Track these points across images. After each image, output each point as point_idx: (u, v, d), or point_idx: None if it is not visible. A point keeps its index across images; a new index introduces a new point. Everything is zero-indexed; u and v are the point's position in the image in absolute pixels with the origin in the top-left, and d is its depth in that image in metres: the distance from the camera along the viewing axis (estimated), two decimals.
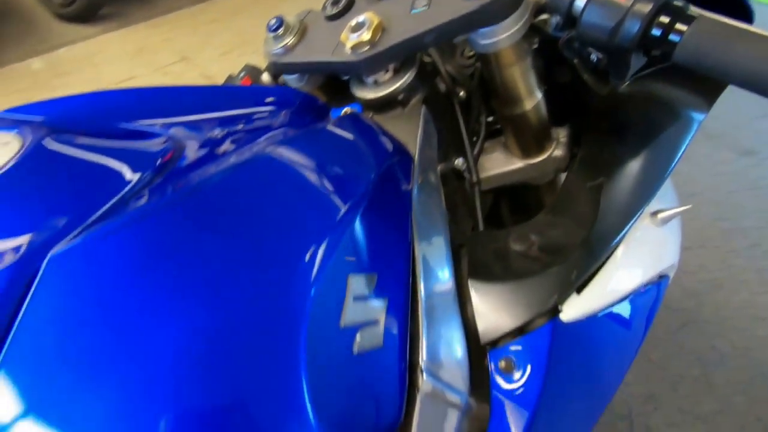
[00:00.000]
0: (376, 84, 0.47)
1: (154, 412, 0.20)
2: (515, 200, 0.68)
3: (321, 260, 0.26)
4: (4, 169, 0.26)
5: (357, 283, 0.29)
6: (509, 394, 0.38)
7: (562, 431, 0.39)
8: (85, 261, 0.22)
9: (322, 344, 0.25)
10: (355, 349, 0.28)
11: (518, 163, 0.58)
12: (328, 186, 0.31)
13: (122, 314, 0.21)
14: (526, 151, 0.57)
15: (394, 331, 0.32)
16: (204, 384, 0.21)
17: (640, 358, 1.49)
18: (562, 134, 0.58)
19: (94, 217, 0.24)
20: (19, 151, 0.27)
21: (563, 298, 0.40)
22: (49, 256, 0.22)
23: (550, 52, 0.53)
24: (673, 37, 0.36)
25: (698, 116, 0.51)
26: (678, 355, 1.32)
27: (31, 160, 0.27)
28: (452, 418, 0.36)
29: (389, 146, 0.40)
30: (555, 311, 0.40)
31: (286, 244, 0.26)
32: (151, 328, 0.21)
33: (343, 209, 0.30)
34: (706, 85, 0.51)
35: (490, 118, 0.60)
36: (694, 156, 1.82)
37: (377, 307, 0.31)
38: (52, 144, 0.29)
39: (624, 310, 0.44)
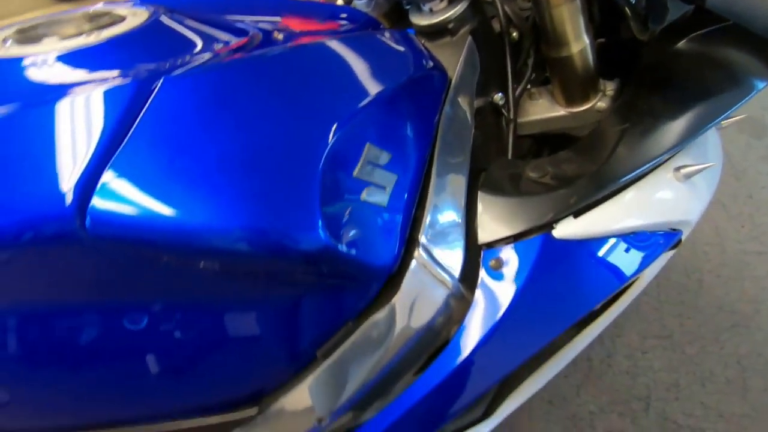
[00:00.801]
0: (431, 12, 0.52)
1: (214, 193, 0.30)
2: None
3: (345, 120, 0.35)
4: (137, 28, 0.37)
5: (372, 152, 0.37)
6: (493, 289, 0.44)
7: (527, 334, 0.45)
8: (185, 85, 0.33)
9: (336, 178, 0.34)
10: (362, 197, 0.36)
11: (561, 111, 0.61)
12: (365, 73, 0.38)
13: (206, 123, 0.32)
14: (570, 99, 0.60)
15: (399, 201, 0.39)
16: (252, 177, 0.31)
17: (674, 349, 1.45)
18: (609, 87, 0.59)
19: (188, 66, 0.35)
20: (147, 18, 0.39)
21: (559, 217, 0.45)
22: (162, 79, 0.32)
23: (612, 5, 0.55)
24: None
25: (759, 83, 0.51)
26: (717, 354, 1.28)
27: (154, 24, 0.38)
28: (439, 294, 0.44)
29: (429, 63, 0.46)
30: (550, 227, 0.45)
31: (321, 102, 0.35)
32: (222, 136, 0.32)
33: (373, 94, 0.37)
34: None
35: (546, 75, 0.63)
36: None
37: (386, 177, 0.38)
38: (166, 18, 0.40)
39: (617, 246, 0.48)
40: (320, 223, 0.32)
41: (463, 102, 0.49)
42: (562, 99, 0.60)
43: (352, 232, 0.34)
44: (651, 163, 0.48)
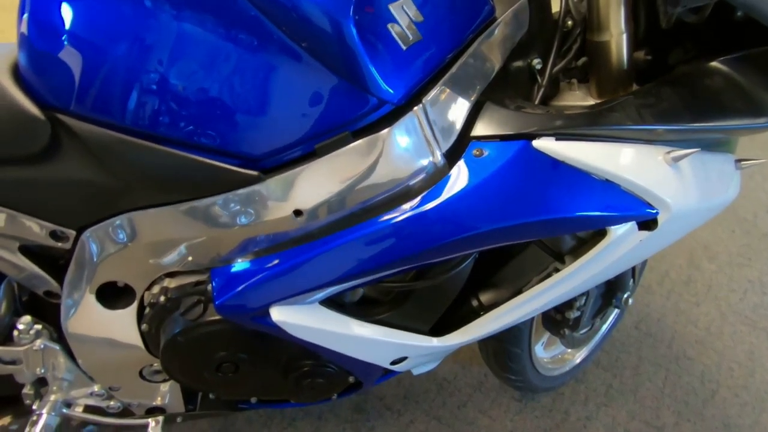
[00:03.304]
0: None
1: None
2: None
3: None
4: None
5: (409, 4, 0.49)
6: (468, 170, 0.53)
7: (480, 213, 0.51)
8: None
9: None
10: (389, 26, 0.48)
11: (590, 101, 0.69)
12: None
13: None
14: (602, 91, 0.68)
15: (415, 57, 0.50)
16: None
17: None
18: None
19: None
20: None
21: (542, 132, 0.53)
22: None
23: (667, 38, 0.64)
24: None
25: None
26: None
27: None
28: (423, 155, 0.53)
29: None
30: (532, 138, 0.53)
31: None
32: None
33: None
34: None
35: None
36: None
37: (413, 30, 0.50)
38: None
39: (587, 182, 0.54)
40: (351, 14, 0.44)
41: (499, 41, 0.60)
42: (596, 91, 0.68)
43: (372, 45, 0.45)
44: (640, 126, 0.54)
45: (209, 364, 0.67)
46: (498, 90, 0.60)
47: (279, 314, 0.56)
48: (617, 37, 0.63)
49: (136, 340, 0.69)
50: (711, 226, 1.90)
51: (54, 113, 0.52)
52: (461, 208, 0.52)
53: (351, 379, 0.75)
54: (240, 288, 0.55)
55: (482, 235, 0.52)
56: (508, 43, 0.61)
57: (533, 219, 0.52)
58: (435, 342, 0.69)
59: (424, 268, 0.65)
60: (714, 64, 0.60)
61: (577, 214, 0.53)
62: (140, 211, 0.57)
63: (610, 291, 1.03)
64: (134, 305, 0.66)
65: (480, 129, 0.55)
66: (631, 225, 0.58)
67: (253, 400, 0.79)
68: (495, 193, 0.52)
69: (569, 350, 1.22)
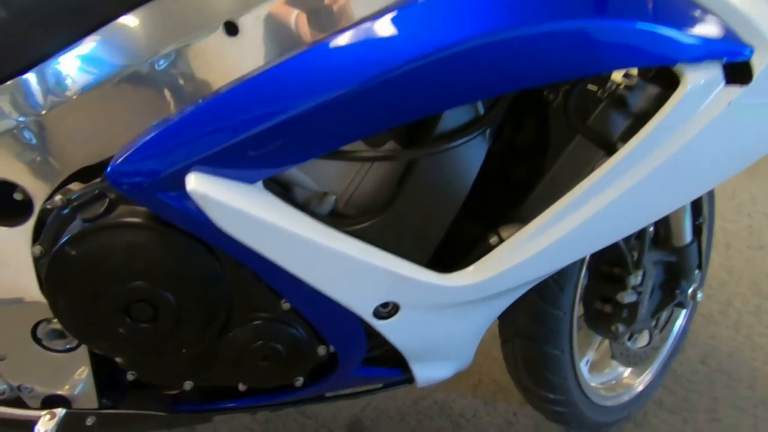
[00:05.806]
0: None
1: None
2: None
3: None
4: None
5: None
6: None
7: (475, 18, 0.35)
8: None
9: None
10: None
11: None
12: None
13: None
14: None
15: None
16: None
17: None
18: None
19: None
20: None
21: None
22: None
23: None
24: None
25: None
26: None
27: None
28: None
29: None
30: None
31: None
32: None
33: None
34: None
35: None
36: None
37: None
38: None
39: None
40: None
41: None
42: None
43: None
44: None
45: (114, 299, 0.47)
46: None
47: (198, 183, 0.38)
48: None
49: (29, 275, 0.50)
50: None
51: None
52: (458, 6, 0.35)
53: (321, 349, 0.53)
54: (142, 143, 0.38)
55: (487, 50, 0.35)
56: None
57: (562, 26, 0.35)
58: (434, 278, 0.48)
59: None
60: None
61: (632, 24, 0.36)
62: (42, 65, 0.43)
63: (672, 279, 0.80)
64: (30, 222, 0.49)
65: None
66: (715, 70, 0.40)
67: (188, 386, 0.57)
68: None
69: (625, 374, 0.94)
